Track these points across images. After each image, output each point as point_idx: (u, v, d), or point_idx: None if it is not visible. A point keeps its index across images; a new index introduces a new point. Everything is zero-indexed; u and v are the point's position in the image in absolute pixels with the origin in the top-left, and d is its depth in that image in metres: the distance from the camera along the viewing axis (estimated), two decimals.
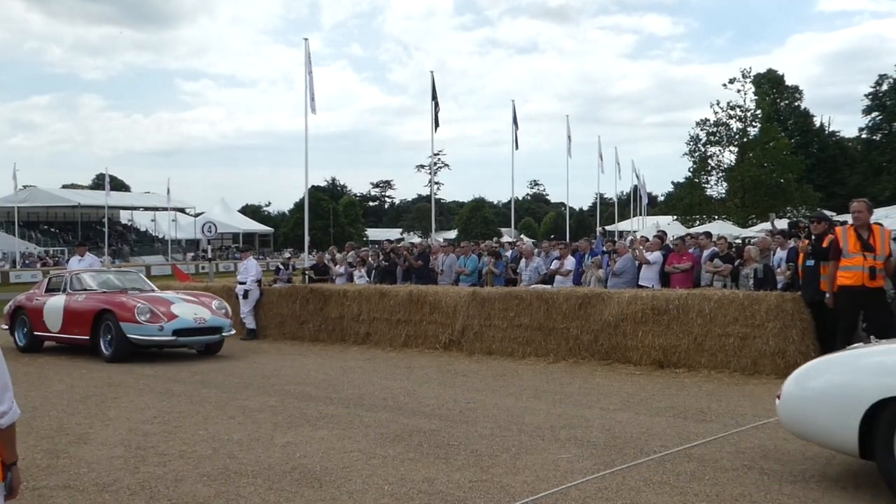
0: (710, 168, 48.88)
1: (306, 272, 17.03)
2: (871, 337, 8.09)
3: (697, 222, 43.62)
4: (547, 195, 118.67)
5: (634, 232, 39.80)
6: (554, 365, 10.90)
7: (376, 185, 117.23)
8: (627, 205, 61.10)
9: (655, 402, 8.16)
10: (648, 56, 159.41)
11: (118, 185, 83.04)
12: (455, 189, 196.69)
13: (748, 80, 49.39)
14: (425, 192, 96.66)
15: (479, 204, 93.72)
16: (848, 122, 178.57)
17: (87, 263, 16.09)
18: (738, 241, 22.88)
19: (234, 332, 13.17)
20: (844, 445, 5.04)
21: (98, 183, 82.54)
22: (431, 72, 24.29)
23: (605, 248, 13.72)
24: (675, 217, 47.75)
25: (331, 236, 68.00)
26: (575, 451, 6.19)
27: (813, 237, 9.36)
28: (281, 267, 18.65)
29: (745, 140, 47.34)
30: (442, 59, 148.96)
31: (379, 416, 7.69)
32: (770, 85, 56.27)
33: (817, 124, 59.84)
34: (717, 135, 48.37)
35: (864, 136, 57.97)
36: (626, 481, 5.35)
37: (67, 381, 10.34)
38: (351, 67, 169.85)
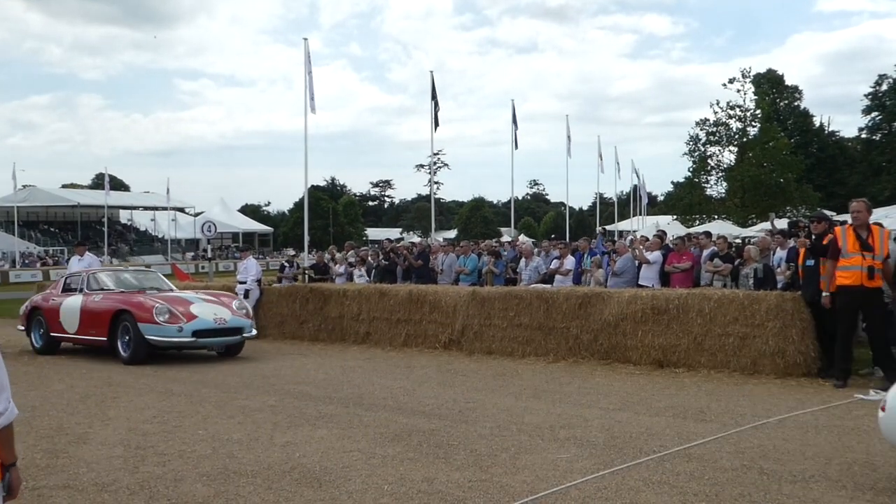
0: (709, 168, 48.88)
1: (307, 272, 17.03)
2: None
3: (697, 222, 43.63)
4: (546, 195, 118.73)
5: (634, 232, 39.80)
6: (553, 364, 10.90)
7: (376, 185, 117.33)
8: (627, 204, 61.09)
9: (655, 402, 8.16)
10: (648, 56, 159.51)
11: (118, 185, 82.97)
12: (455, 189, 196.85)
13: (748, 79, 49.48)
14: (425, 191, 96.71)
15: (479, 203, 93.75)
16: (848, 122, 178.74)
17: (87, 263, 16.07)
18: (738, 240, 22.90)
19: (255, 332, 12.66)
20: None
21: (97, 182, 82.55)
22: (431, 71, 24.33)
23: (606, 249, 13.69)
24: (674, 217, 47.74)
25: (330, 236, 67.99)
26: (574, 450, 6.19)
27: (813, 237, 9.37)
28: (286, 265, 18.58)
29: (744, 140, 47.34)
30: (441, 58, 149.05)
31: (378, 415, 7.69)
32: (770, 85, 56.28)
33: (817, 124, 59.85)
34: (717, 134, 48.37)
35: (863, 136, 57.98)
36: (625, 481, 5.35)
37: (67, 380, 10.34)
38: (350, 67, 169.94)
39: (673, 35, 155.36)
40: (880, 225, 9.41)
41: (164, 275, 15.55)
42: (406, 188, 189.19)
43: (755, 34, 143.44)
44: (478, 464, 5.84)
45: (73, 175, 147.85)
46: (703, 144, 48.66)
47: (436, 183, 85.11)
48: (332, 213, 77.21)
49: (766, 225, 22.39)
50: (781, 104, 58.38)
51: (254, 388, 9.45)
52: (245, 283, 15.23)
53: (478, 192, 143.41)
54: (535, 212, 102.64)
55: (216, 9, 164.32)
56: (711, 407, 7.86)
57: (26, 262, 52.51)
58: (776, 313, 9.52)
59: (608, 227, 44.75)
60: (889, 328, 8.89)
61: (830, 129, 60.67)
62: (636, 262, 12.84)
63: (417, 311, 12.89)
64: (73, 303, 12.78)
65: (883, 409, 5.26)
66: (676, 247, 12.79)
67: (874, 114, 55.64)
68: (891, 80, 53.93)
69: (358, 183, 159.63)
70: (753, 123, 47.60)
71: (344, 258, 17.94)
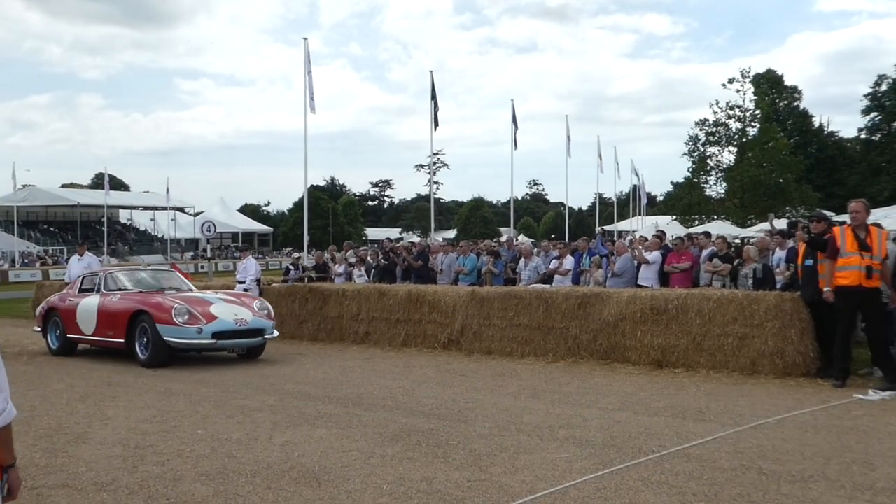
0: (709, 168, 48.86)
1: (312, 275, 16.91)
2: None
3: (696, 222, 43.61)
4: (546, 195, 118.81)
5: (633, 232, 39.83)
6: (553, 364, 10.90)
7: (375, 185, 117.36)
8: (627, 204, 61.15)
9: (654, 402, 8.17)
10: (648, 56, 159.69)
11: (117, 185, 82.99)
12: (454, 188, 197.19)
13: (747, 79, 49.45)
14: (424, 191, 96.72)
15: (479, 203, 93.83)
16: (847, 122, 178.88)
17: (87, 263, 16.09)
18: (737, 240, 22.90)
19: (276, 334, 12.24)
20: None
21: (97, 182, 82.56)
22: (431, 71, 24.41)
23: (607, 250, 13.66)
24: (674, 217, 47.74)
25: (330, 236, 68.02)
26: (573, 450, 6.19)
27: (813, 236, 9.38)
28: (291, 267, 18.50)
29: (744, 140, 47.32)
30: (441, 58, 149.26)
31: (377, 415, 7.69)
32: (769, 85, 56.25)
33: (816, 124, 59.85)
34: (717, 135, 48.34)
35: (862, 136, 57.97)
36: (624, 481, 5.35)
37: (67, 380, 10.33)
38: (350, 67, 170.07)
39: (673, 35, 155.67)
40: (879, 225, 9.41)
41: None
42: (406, 188, 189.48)
43: (755, 34, 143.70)
44: (477, 463, 5.84)
45: (73, 175, 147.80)
46: (703, 144, 48.64)
47: (435, 183, 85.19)
48: (332, 213, 77.25)
49: (766, 225, 22.38)
50: (781, 104, 58.36)
51: (253, 388, 9.45)
52: (244, 282, 15.22)
53: (477, 192, 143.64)
54: (535, 212, 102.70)
55: (216, 8, 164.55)
56: (710, 407, 7.86)
57: (26, 261, 52.52)
58: (775, 313, 9.52)
59: (607, 227, 44.79)
60: (888, 328, 8.90)
61: (830, 130, 60.69)
62: (635, 263, 12.84)
63: (417, 311, 12.89)
64: (89, 303, 12.42)
65: None
66: (676, 247, 12.79)
67: (873, 114, 55.64)
68: (890, 81, 53.92)
69: (357, 183, 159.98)
70: (753, 123, 47.58)
71: (343, 258, 17.94)
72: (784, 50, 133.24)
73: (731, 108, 47.72)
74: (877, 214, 16.78)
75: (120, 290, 12.67)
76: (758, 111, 47.71)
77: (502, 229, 68.18)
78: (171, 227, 69.12)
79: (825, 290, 8.81)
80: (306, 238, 19.67)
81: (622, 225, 50.71)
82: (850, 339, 9.06)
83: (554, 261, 14.18)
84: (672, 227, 37.55)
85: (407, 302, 13.03)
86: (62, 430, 7.23)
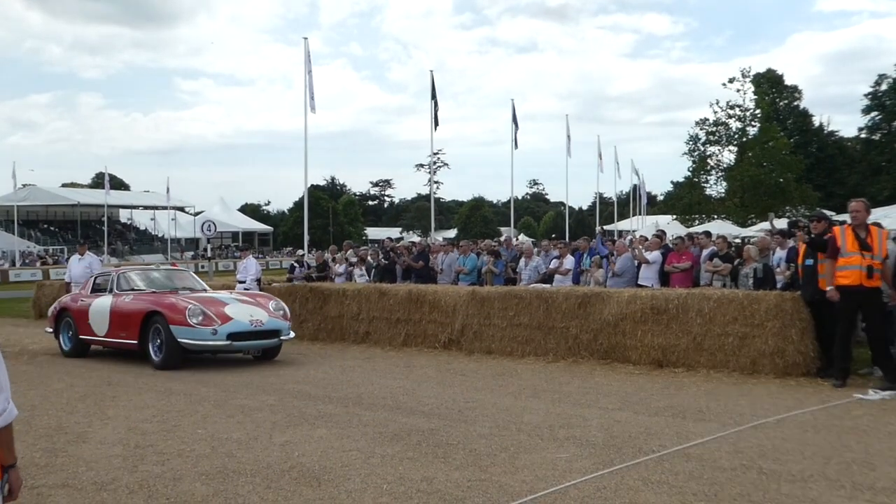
0: (709, 167, 48.85)
1: (312, 275, 16.90)
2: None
3: (697, 222, 43.61)
4: (546, 194, 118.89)
5: (634, 231, 39.83)
6: (553, 364, 10.90)
7: (376, 184, 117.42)
8: (627, 204, 61.15)
9: (654, 402, 8.16)
10: (648, 55, 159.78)
11: (117, 184, 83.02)
12: (454, 188, 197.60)
13: (747, 79, 49.45)
14: (425, 191, 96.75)
15: (479, 203, 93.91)
16: (847, 121, 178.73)
17: (87, 262, 16.08)
18: (738, 240, 22.90)
19: (293, 335, 12.10)
20: None
21: (97, 182, 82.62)
22: (431, 71, 24.40)
23: (608, 250, 13.64)
24: (674, 216, 47.76)
25: (330, 235, 68.02)
26: (573, 450, 6.19)
27: (813, 236, 9.38)
28: (295, 265, 18.46)
29: (744, 139, 47.32)
30: (441, 58, 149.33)
31: (378, 415, 7.69)
32: (769, 84, 56.23)
33: (816, 124, 59.83)
34: (717, 134, 48.34)
35: (863, 135, 57.95)
36: (624, 481, 5.35)
37: (67, 379, 10.33)
38: (350, 66, 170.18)
39: (673, 35, 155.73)
40: (879, 225, 9.41)
41: None
42: (406, 188, 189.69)
43: (755, 34, 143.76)
44: (477, 463, 5.84)
45: (73, 174, 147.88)
46: (703, 144, 48.64)
47: (435, 182, 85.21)
48: (332, 213, 77.25)
49: (766, 225, 22.39)
50: (781, 104, 58.34)
51: (253, 388, 9.44)
52: (244, 282, 15.23)
53: (477, 191, 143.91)
54: (535, 211, 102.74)
55: (216, 8, 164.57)
56: (710, 406, 7.86)
57: (26, 261, 52.51)
58: (775, 313, 9.52)
59: (608, 227, 44.78)
60: (888, 328, 8.90)
61: (830, 129, 60.66)
62: (636, 262, 12.84)
63: (417, 311, 12.89)
64: (102, 304, 12.17)
65: None
66: (676, 246, 12.79)
67: (874, 114, 55.61)
68: (890, 80, 53.90)
69: (358, 182, 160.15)
70: (753, 123, 47.58)
71: (344, 258, 17.95)
72: (784, 50, 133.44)
73: (732, 107, 47.74)
74: (877, 214, 16.76)
75: (133, 290, 12.46)
76: (758, 111, 47.70)
77: (502, 229, 68.19)
78: (172, 227, 69.15)
79: (829, 289, 8.80)
80: (306, 238, 19.67)
81: (622, 225, 50.73)
82: (851, 339, 9.06)
83: (554, 260, 14.17)
84: (672, 226, 37.56)
85: (407, 301, 13.03)
86: (62, 429, 7.23)
